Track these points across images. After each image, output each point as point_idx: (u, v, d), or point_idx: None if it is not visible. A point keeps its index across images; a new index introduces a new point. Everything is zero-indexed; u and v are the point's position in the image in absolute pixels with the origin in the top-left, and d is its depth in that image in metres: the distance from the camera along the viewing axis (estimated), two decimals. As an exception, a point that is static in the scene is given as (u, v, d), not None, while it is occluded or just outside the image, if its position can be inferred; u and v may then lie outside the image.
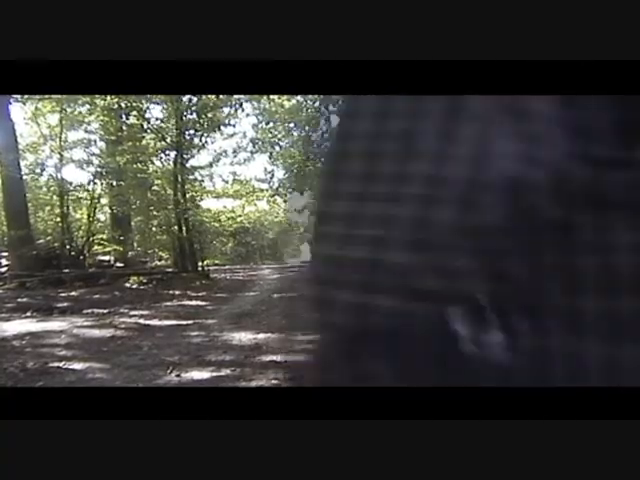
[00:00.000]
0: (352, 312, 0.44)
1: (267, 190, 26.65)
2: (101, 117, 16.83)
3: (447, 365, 0.43)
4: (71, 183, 16.04)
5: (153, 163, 17.31)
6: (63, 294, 11.17)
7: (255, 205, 28.50)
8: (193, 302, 9.68)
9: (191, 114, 16.64)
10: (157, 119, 17.56)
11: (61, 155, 16.49)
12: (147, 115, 17.25)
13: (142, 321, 7.31)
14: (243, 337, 5.59)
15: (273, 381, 3.83)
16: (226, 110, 17.73)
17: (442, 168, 0.43)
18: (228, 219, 21.48)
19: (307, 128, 22.86)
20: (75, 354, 5.05)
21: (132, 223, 18.52)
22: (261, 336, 5.63)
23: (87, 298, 10.45)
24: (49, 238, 15.72)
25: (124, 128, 17.30)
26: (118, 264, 16.19)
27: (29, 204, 15.35)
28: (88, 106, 16.55)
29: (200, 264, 15.65)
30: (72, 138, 17.31)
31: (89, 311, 8.44)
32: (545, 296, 0.41)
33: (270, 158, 25.01)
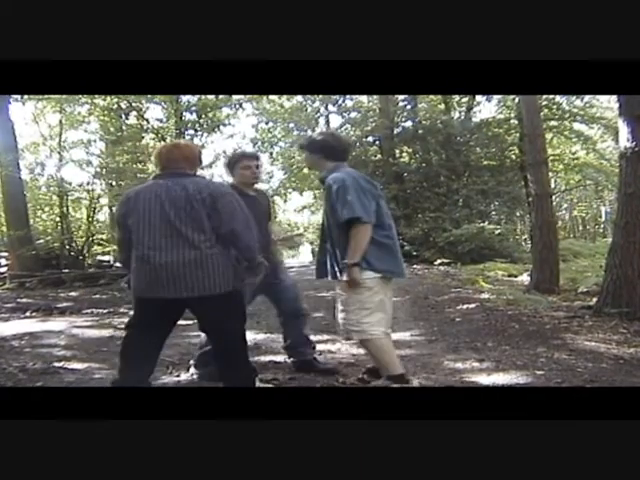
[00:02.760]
0: None
1: (267, 190, 26.64)
2: (101, 117, 16.83)
3: None
4: (70, 183, 16.00)
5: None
6: (63, 294, 11.17)
7: (255, 205, 28.36)
8: (193, 302, 9.62)
9: (191, 114, 16.62)
10: (157, 119, 17.55)
11: (61, 155, 16.48)
12: (147, 115, 17.24)
13: (142, 321, 7.27)
14: (243, 337, 5.58)
15: (273, 382, 3.83)
16: (226, 110, 17.72)
17: None
18: (228, 220, 21.39)
19: (307, 128, 22.78)
20: (75, 354, 5.04)
21: (132, 223, 18.46)
22: (260, 336, 5.62)
23: (87, 298, 10.44)
24: (49, 238, 15.69)
25: (124, 128, 17.27)
26: (118, 264, 16.16)
27: (29, 204, 15.33)
28: (88, 106, 16.54)
29: (200, 264, 15.59)
30: (72, 138, 17.31)
31: (89, 311, 8.42)
32: None
33: (270, 158, 25.00)
